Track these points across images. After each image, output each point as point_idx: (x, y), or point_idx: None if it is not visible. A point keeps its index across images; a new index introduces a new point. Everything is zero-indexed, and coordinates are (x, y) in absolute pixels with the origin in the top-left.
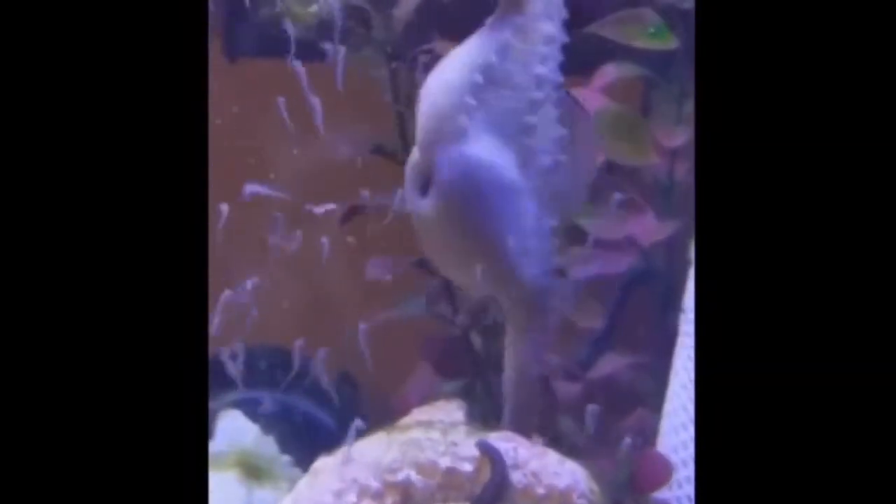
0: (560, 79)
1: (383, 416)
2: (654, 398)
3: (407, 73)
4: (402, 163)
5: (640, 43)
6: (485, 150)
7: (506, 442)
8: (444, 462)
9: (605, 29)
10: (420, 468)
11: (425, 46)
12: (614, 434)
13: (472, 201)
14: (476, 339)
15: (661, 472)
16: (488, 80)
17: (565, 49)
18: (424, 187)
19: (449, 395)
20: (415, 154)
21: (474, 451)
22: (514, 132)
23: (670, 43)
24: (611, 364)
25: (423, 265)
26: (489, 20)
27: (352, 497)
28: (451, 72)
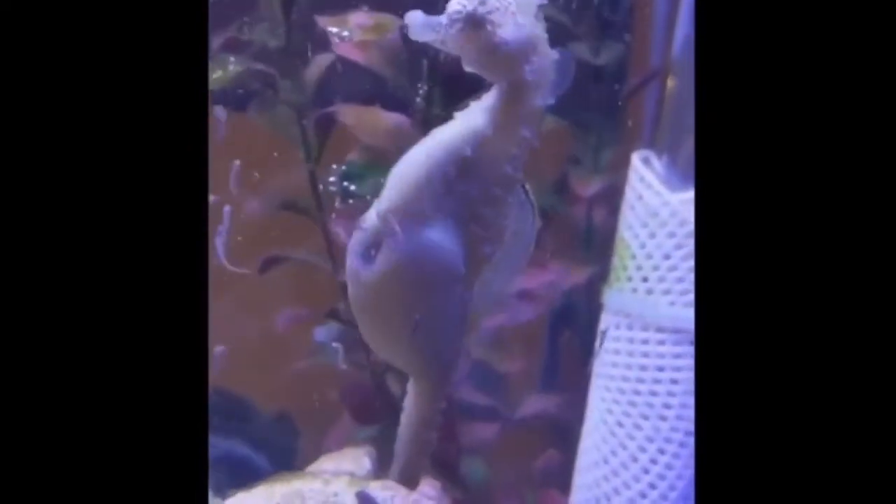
0: (520, 176)
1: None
2: (570, 437)
3: (317, 131)
4: (314, 218)
5: None
6: (440, 234)
7: (384, 490)
8: None
9: None
10: None
11: (328, 109)
12: (524, 475)
13: (416, 281)
14: (393, 385)
15: None
16: (460, 171)
17: (532, 150)
18: (369, 252)
19: (361, 442)
20: (370, 218)
21: (354, 501)
22: (468, 219)
23: None
24: (535, 405)
25: (335, 315)
26: (470, 109)
27: None
28: (428, 155)
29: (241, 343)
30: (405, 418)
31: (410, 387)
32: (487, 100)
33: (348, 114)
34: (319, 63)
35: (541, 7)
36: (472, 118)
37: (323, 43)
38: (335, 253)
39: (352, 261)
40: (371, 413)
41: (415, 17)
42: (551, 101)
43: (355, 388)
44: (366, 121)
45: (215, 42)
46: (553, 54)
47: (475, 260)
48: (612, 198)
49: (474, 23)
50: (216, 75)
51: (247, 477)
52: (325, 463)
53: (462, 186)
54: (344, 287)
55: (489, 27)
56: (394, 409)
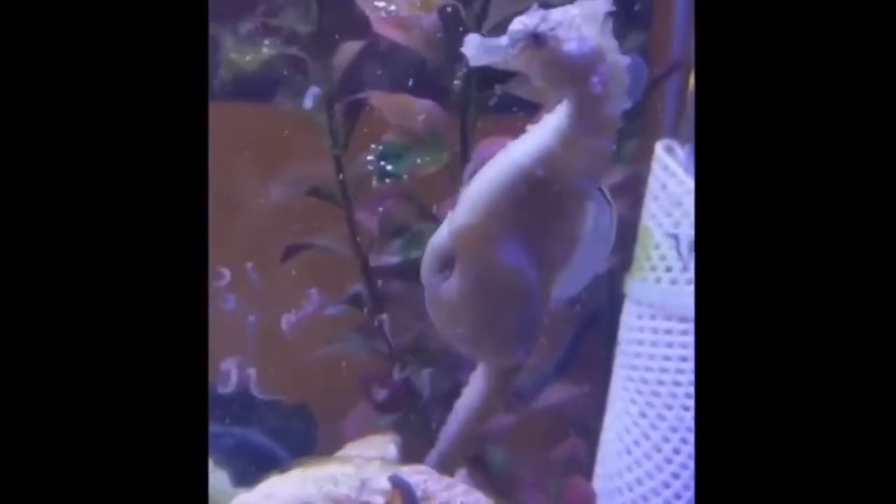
0: (597, 184)
1: (334, 448)
2: (591, 428)
3: (345, 118)
4: (339, 205)
5: None
6: (511, 252)
7: (417, 475)
8: (357, 496)
9: None
10: (335, 502)
11: (359, 95)
12: (546, 463)
13: (490, 299)
14: (412, 374)
15: (584, 499)
16: (529, 191)
17: (611, 156)
18: (444, 269)
19: (383, 429)
20: (442, 235)
21: (387, 485)
22: (539, 234)
23: None
24: (554, 396)
25: (357, 302)
26: (541, 124)
27: None
28: (495, 176)
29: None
30: (461, 406)
31: (473, 378)
32: (558, 114)
33: (378, 99)
34: (349, 49)
35: (608, 15)
36: (542, 135)
37: (354, 27)
38: (360, 240)
39: (427, 275)
40: (390, 402)
41: (472, 41)
42: (628, 105)
43: (376, 376)
44: (396, 106)
45: (244, 27)
46: (624, 60)
47: (549, 266)
48: (634, 188)
49: (537, 41)
50: (248, 57)
51: (265, 466)
52: (350, 450)
53: (535, 205)
54: (366, 273)
55: (553, 43)
56: (413, 398)
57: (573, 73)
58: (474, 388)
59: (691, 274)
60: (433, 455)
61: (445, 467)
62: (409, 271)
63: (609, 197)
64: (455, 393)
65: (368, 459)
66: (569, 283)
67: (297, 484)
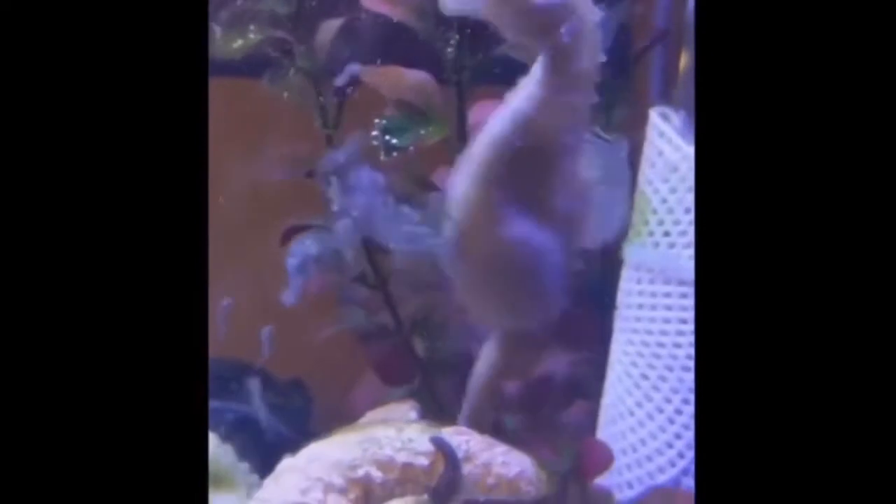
0: (584, 138)
1: (335, 422)
2: (593, 392)
3: (336, 96)
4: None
5: None
6: (518, 225)
7: (458, 436)
8: (401, 458)
9: None
10: (379, 464)
11: (348, 70)
12: (556, 424)
13: (509, 273)
14: (418, 345)
15: (603, 458)
16: (516, 160)
17: (594, 107)
18: (459, 256)
19: (400, 399)
20: (451, 230)
21: (429, 447)
22: (540, 198)
23: None
24: (553, 362)
25: (362, 280)
26: (522, 84)
27: (318, 494)
28: (482, 151)
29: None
30: (481, 366)
31: (494, 336)
32: (532, 78)
33: (370, 75)
34: (329, 27)
35: None
36: (517, 103)
37: (337, 4)
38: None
39: (451, 268)
40: (399, 373)
41: None
42: (602, 59)
43: (382, 349)
44: (389, 80)
45: (224, 13)
46: (596, 13)
47: (566, 222)
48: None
49: None
50: (237, 45)
51: (266, 441)
52: (373, 417)
53: (524, 170)
54: (370, 253)
55: None
56: (421, 370)
57: (542, 23)
58: (489, 352)
59: (690, 238)
60: (463, 416)
61: (477, 427)
62: None
63: (605, 135)
64: (461, 363)
65: (409, 422)
66: (596, 229)
67: (341, 447)
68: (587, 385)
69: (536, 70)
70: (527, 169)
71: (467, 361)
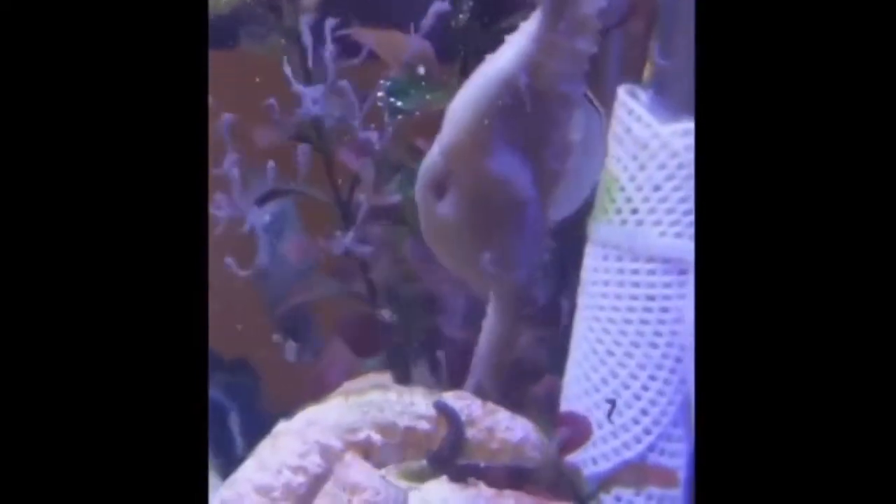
0: (582, 91)
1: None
2: (556, 369)
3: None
4: (318, 149)
5: None
6: (505, 163)
7: (460, 401)
8: (403, 422)
9: None
10: (380, 428)
11: (343, 32)
12: (525, 399)
13: (488, 213)
14: (389, 316)
15: (582, 431)
16: (514, 99)
17: (592, 59)
18: (439, 190)
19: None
20: (434, 156)
21: (431, 411)
22: (532, 143)
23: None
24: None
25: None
26: (519, 31)
27: (315, 458)
28: (478, 88)
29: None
30: (484, 336)
31: (490, 306)
32: (534, 20)
33: (364, 37)
34: None
35: None
36: (520, 42)
37: None
38: (340, 185)
39: (422, 198)
40: (371, 343)
41: None
42: (603, 3)
43: (353, 319)
44: (386, 43)
45: None
46: None
47: (545, 178)
48: None
49: None
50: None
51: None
52: (350, 388)
53: (522, 114)
54: (349, 222)
55: None
56: (392, 341)
57: None
58: (488, 316)
59: (658, 215)
60: (469, 385)
61: (481, 396)
62: (398, 213)
63: (598, 104)
64: (434, 335)
65: (410, 386)
66: (563, 201)
67: (340, 410)
68: (552, 361)
69: (538, 14)
70: (523, 112)
71: (440, 333)
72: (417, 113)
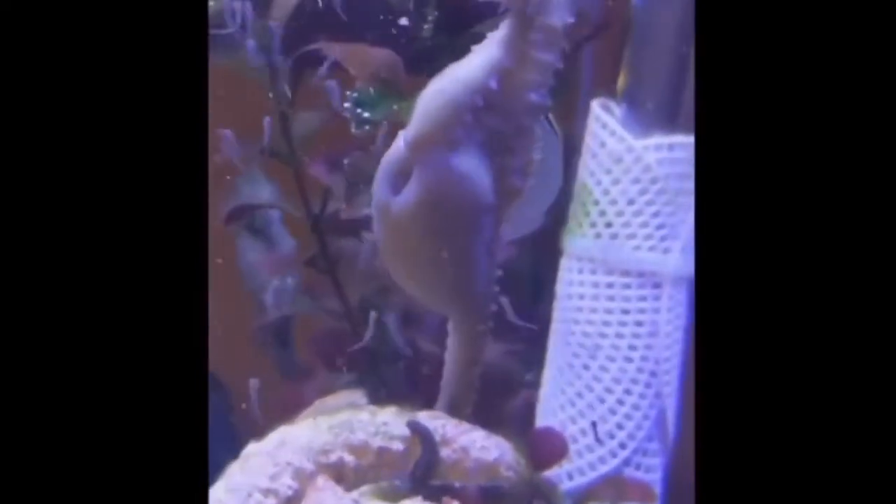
0: (548, 103)
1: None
2: (531, 383)
3: (289, 74)
4: (288, 163)
5: None
6: (469, 163)
7: (434, 420)
8: (376, 442)
9: None
10: (352, 449)
11: (311, 46)
12: (501, 415)
13: (446, 211)
14: (364, 332)
15: (557, 447)
16: (486, 103)
17: (557, 74)
18: (398, 182)
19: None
20: (398, 149)
21: (404, 431)
22: (497, 152)
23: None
24: (493, 353)
25: (312, 263)
26: (491, 38)
27: (287, 479)
28: (454, 84)
29: None
30: (448, 356)
31: (450, 326)
32: (503, 29)
33: (332, 50)
34: (284, 5)
35: None
36: (491, 49)
37: None
38: (309, 199)
39: (380, 190)
40: (344, 360)
41: None
42: (571, 19)
43: (327, 335)
44: (354, 57)
45: None
46: None
47: (505, 192)
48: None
49: None
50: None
51: None
52: (320, 405)
53: (490, 118)
54: (320, 234)
55: None
56: (367, 356)
57: None
58: (450, 335)
59: (633, 229)
60: (441, 405)
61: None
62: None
63: (556, 126)
64: (408, 352)
65: (382, 406)
66: (517, 221)
67: (311, 431)
68: (524, 377)
69: (507, 24)
70: (491, 114)
71: (415, 350)
72: (385, 123)
